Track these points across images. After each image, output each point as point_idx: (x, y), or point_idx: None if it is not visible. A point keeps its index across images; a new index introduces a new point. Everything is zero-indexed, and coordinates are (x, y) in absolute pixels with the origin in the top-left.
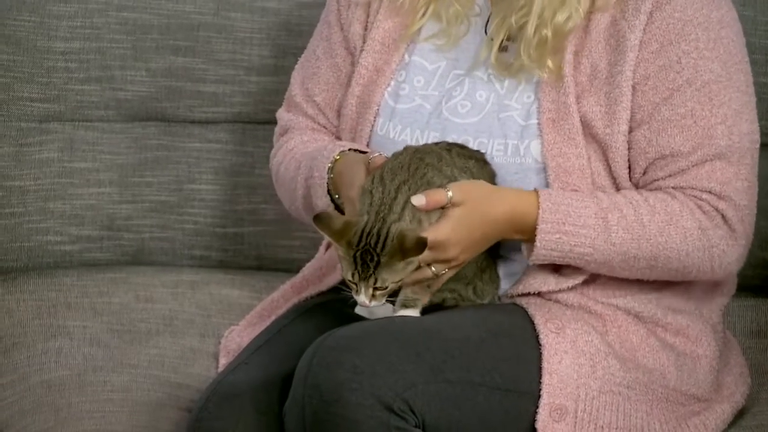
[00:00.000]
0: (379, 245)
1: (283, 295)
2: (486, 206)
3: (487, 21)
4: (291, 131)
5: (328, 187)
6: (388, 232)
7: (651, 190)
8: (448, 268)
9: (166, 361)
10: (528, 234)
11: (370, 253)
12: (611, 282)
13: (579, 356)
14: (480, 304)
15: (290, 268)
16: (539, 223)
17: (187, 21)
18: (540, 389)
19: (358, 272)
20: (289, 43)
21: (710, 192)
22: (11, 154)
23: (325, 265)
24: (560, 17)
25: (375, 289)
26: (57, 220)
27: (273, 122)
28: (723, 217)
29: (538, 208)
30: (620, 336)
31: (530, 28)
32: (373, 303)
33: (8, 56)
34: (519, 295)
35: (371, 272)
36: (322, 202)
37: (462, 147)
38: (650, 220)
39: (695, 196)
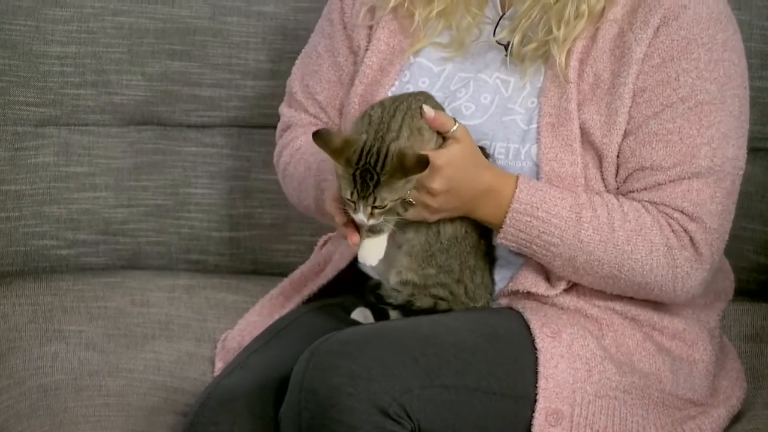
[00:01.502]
0: (379, 164)
1: (283, 293)
2: (476, 162)
3: (496, 26)
4: (294, 128)
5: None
6: (387, 151)
7: (630, 199)
8: (423, 202)
9: (162, 366)
10: (499, 213)
11: (369, 171)
12: None
13: (575, 361)
14: (474, 308)
15: (286, 272)
16: (513, 202)
17: (183, 25)
18: (536, 394)
19: (357, 191)
20: (285, 48)
21: (682, 212)
22: (7, 158)
23: (323, 261)
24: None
25: (374, 207)
26: (53, 224)
27: (269, 126)
28: (691, 239)
29: (516, 188)
30: (616, 340)
31: (570, 4)
32: (371, 221)
33: (4, 60)
34: (512, 294)
35: (370, 191)
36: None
37: None
38: (620, 226)
39: (667, 214)
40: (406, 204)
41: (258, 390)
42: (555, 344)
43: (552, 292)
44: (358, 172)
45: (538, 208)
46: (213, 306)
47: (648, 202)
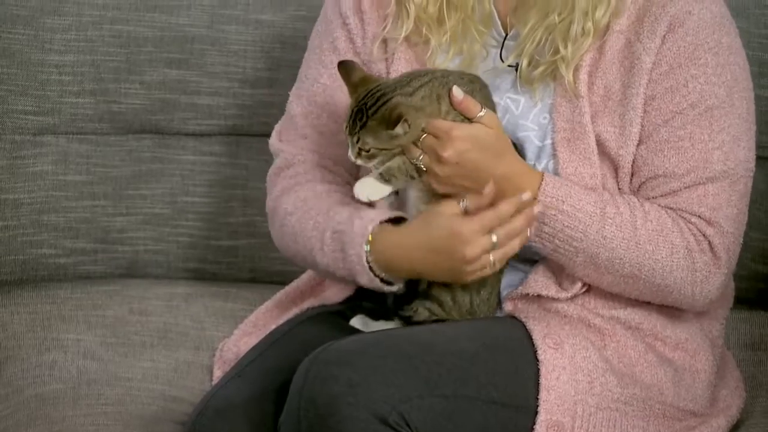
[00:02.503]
0: (373, 108)
1: (278, 305)
2: (498, 150)
3: (501, 47)
4: (295, 167)
5: (369, 265)
6: (388, 100)
7: (648, 201)
8: (432, 169)
9: (160, 374)
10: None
11: (362, 111)
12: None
13: (577, 372)
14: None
15: (284, 280)
16: (539, 195)
17: (181, 34)
18: (536, 404)
19: (349, 126)
20: (284, 56)
21: (699, 216)
22: (5, 166)
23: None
24: (599, 12)
25: (360, 149)
26: (51, 232)
27: (268, 134)
28: (710, 243)
29: (542, 181)
30: (618, 351)
31: (575, 22)
32: (359, 162)
33: (2, 69)
34: (519, 298)
35: (357, 130)
36: (365, 279)
37: None
38: (643, 225)
39: (685, 219)
40: (418, 169)
41: (256, 399)
42: (557, 356)
43: (563, 295)
44: (356, 108)
45: (563, 202)
46: (211, 314)
47: (665, 208)
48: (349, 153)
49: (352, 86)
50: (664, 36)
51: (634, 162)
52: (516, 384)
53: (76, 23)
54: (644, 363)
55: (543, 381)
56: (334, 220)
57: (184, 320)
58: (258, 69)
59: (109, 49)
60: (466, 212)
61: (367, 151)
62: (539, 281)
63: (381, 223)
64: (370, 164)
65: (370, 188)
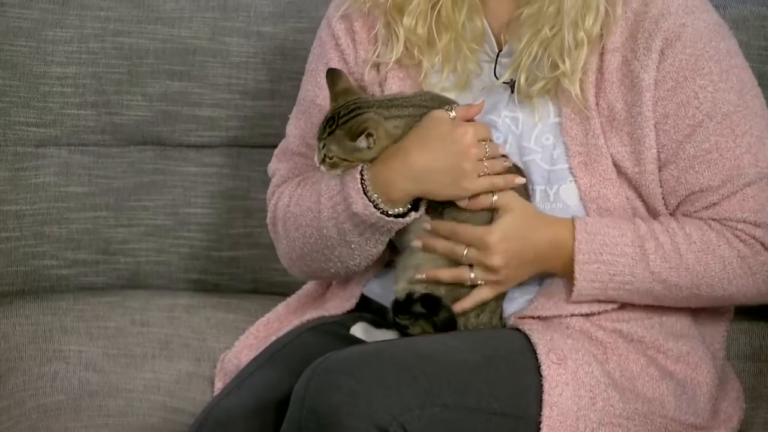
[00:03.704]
0: (344, 118)
1: (279, 317)
2: (530, 225)
3: (495, 63)
4: (290, 181)
5: (364, 185)
6: (361, 113)
7: (688, 218)
8: (488, 282)
9: (161, 386)
10: (565, 264)
11: (334, 119)
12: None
13: (579, 388)
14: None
15: (286, 291)
16: (576, 254)
17: (183, 46)
18: (537, 414)
19: (319, 131)
20: (285, 68)
21: (745, 221)
22: (7, 178)
23: (320, 287)
24: (588, 21)
25: (325, 155)
26: (53, 244)
27: (269, 146)
28: (762, 244)
29: (575, 241)
30: (620, 364)
31: (567, 34)
32: (323, 168)
33: (4, 81)
34: (524, 318)
35: (325, 136)
36: (359, 205)
37: None
38: (687, 249)
39: (731, 227)
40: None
41: (256, 411)
42: (560, 371)
43: (576, 311)
44: (329, 116)
45: (601, 254)
46: (213, 325)
47: (708, 219)
48: (315, 157)
49: (334, 94)
50: (662, 51)
51: (665, 183)
52: (517, 395)
53: (78, 35)
54: (646, 377)
55: (546, 397)
56: (329, 181)
57: (185, 331)
58: (259, 81)
59: (111, 61)
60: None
61: (330, 159)
62: (548, 304)
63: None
64: (333, 172)
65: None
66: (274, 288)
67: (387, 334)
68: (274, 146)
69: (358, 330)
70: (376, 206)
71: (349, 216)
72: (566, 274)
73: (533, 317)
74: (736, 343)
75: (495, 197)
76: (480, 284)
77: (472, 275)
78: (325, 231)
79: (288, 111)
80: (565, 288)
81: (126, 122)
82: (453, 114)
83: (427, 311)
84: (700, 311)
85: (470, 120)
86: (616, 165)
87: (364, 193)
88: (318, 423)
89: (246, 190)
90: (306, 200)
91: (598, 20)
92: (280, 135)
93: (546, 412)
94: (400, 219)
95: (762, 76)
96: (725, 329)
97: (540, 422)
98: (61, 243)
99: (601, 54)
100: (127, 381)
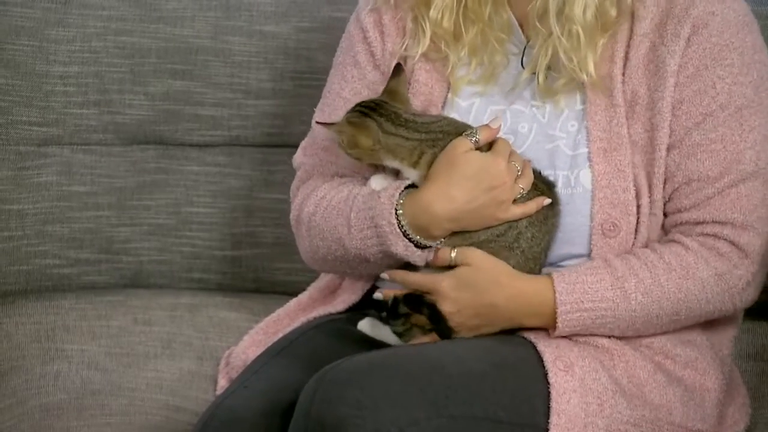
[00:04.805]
0: (355, 111)
1: (288, 314)
2: (492, 279)
3: (522, 54)
4: (315, 178)
5: (402, 229)
6: (366, 115)
7: (666, 241)
8: (449, 322)
9: (164, 385)
10: (546, 317)
11: (353, 109)
12: None
13: (587, 395)
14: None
15: (288, 290)
16: (558, 305)
17: (185, 45)
18: (545, 423)
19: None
20: (287, 67)
21: (732, 224)
22: (10, 177)
23: (331, 284)
24: (577, 10)
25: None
26: (55, 243)
27: (271, 145)
28: (742, 251)
29: (554, 292)
30: (628, 371)
31: (554, 22)
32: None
33: (7, 80)
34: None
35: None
36: (400, 247)
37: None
38: (667, 279)
39: (714, 235)
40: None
41: (262, 411)
42: (568, 378)
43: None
44: (356, 104)
45: (582, 301)
46: (215, 324)
47: (695, 224)
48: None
49: (385, 89)
50: (689, 38)
51: (666, 168)
52: (524, 403)
53: (80, 34)
54: (653, 383)
55: (554, 404)
56: (357, 200)
57: (187, 330)
58: (262, 80)
59: (114, 60)
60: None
61: (341, 142)
62: None
63: (406, 188)
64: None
65: (384, 182)
66: (277, 287)
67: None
68: (277, 145)
69: (366, 325)
70: (417, 245)
71: (382, 251)
72: (546, 326)
73: (536, 328)
74: (739, 342)
75: (453, 254)
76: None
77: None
78: (352, 253)
79: (290, 110)
80: None
81: (128, 121)
82: (476, 138)
83: (411, 310)
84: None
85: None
86: (633, 151)
87: (405, 236)
88: None
89: (248, 190)
90: (333, 219)
91: (589, 8)
92: (283, 134)
93: (554, 419)
94: (429, 249)
95: None
96: (733, 335)
97: (547, 429)
98: (64, 242)
99: (629, 40)
100: (129, 380)
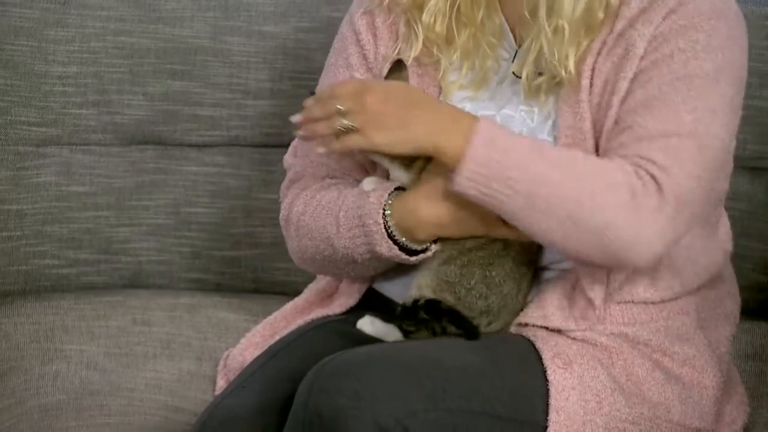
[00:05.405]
0: None
1: (285, 317)
2: (418, 93)
3: (513, 59)
4: (305, 179)
5: (389, 230)
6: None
7: None
8: (358, 124)
9: (163, 385)
10: (454, 141)
11: None
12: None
13: (586, 392)
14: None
15: (287, 291)
16: (473, 134)
17: (184, 45)
18: (543, 419)
19: None
20: (286, 67)
21: (654, 162)
22: (8, 177)
23: (328, 287)
24: (567, 6)
25: None
26: (54, 243)
27: (270, 145)
28: (659, 185)
29: (477, 122)
30: (626, 369)
31: (543, 17)
32: None
33: (5, 80)
34: (524, 325)
35: None
36: (384, 248)
37: None
38: (583, 163)
39: (636, 164)
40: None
41: (260, 411)
42: (566, 376)
43: (580, 327)
44: None
45: (497, 139)
46: (214, 325)
47: (621, 156)
48: None
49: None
50: (659, 24)
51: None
52: (522, 399)
53: (79, 35)
54: (651, 381)
55: (552, 402)
56: (347, 199)
57: (186, 330)
58: (260, 80)
59: (112, 61)
60: None
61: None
62: (555, 315)
63: (395, 189)
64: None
65: (376, 185)
66: (276, 287)
67: (394, 329)
68: (276, 146)
69: (365, 323)
70: (401, 248)
71: (369, 250)
72: (453, 154)
73: (535, 326)
74: (737, 342)
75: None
76: (350, 131)
77: (344, 121)
78: (340, 253)
79: (289, 110)
80: (557, 302)
81: (127, 122)
82: None
83: (430, 318)
84: (706, 315)
85: None
86: (608, 138)
87: (389, 237)
88: (321, 425)
89: (247, 190)
90: (322, 218)
91: (578, 5)
92: (282, 134)
93: (553, 416)
94: (421, 255)
95: (762, 75)
96: (731, 333)
97: (545, 427)
98: (63, 242)
99: (606, 37)
100: (128, 380)
